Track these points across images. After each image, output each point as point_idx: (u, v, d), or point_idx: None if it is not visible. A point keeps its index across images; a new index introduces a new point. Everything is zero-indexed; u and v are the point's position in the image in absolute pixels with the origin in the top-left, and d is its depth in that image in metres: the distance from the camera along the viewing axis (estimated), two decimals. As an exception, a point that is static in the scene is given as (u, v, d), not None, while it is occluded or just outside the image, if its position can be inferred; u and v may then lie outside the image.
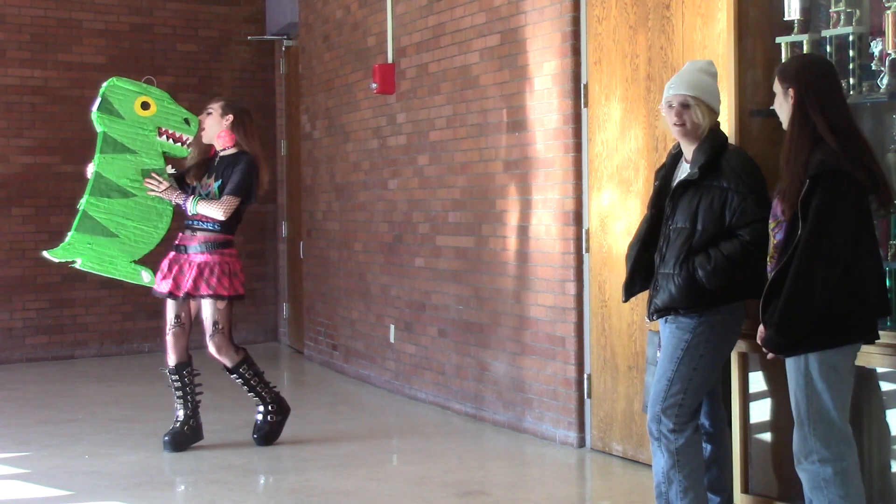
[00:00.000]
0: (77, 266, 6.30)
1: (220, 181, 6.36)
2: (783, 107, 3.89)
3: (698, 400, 4.36)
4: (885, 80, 4.15)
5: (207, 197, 6.31)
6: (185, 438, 6.44)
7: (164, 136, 6.29)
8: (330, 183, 9.35)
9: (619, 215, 6.00)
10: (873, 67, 4.20)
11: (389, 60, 8.04)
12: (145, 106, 6.27)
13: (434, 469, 5.95)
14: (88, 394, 8.34)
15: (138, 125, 6.24)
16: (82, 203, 6.20)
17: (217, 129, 6.45)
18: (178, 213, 6.46)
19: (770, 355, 3.85)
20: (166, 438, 6.43)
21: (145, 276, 6.33)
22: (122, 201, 6.24)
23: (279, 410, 6.60)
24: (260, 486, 5.66)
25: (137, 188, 6.24)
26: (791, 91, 3.83)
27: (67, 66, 10.07)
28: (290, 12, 10.26)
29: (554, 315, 6.39)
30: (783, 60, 4.45)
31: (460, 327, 7.30)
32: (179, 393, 6.43)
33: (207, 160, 6.50)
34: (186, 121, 6.34)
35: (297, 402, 8.39)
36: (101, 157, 6.20)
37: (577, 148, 6.23)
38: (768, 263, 3.94)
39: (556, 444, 6.38)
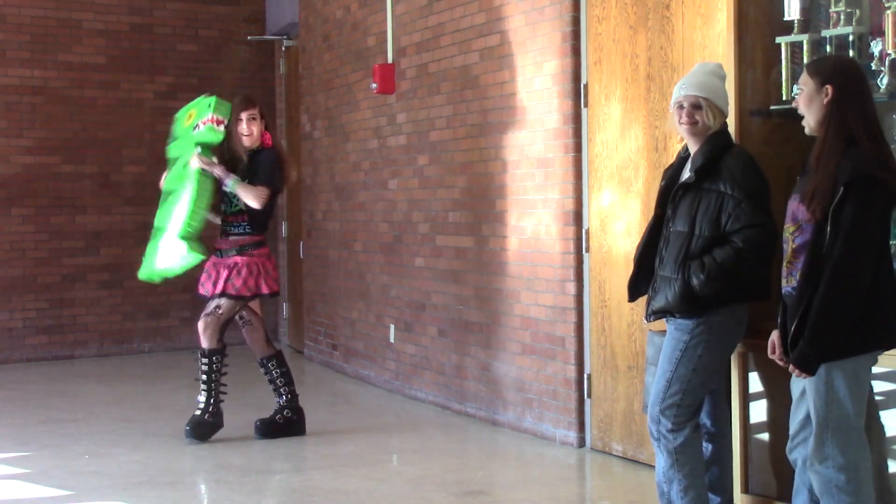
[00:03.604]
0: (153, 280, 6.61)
1: (246, 179, 6.50)
2: (812, 102, 3.77)
3: (697, 400, 4.36)
4: (885, 80, 4.15)
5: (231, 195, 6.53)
6: (278, 427, 6.67)
7: (200, 126, 6.44)
8: (330, 183, 9.35)
9: (619, 215, 6.00)
10: (873, 67, 4.20)
11: (389, 60, 8.04)
12: (190, 116, 6.54)
13: (434, 469, 5.95)
14: (88, 394, 8.34)
15: (185, 133, 6.51)
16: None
17: (261, 130, 6.62)
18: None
19: (797, 372, 3.77)
20: (258, 423, 6.69)
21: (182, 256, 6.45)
22: (169, 200, 6.49)
23: (215, 414, 6.62)
24: (260, 486, 5.66)
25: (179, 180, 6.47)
26: (828, 88, 3.73)
27: (67, 66, 10.07)
28: (290, 12, 10.26)
29: (554, 315, 6.39)
30: (783, 60, 4.45)
31: (460, 327, 7.30)
32: (273, 386, 6.71)
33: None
34: (209, 105, 6.48)
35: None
36: (165, 177, 6.58)
37: (577, 148, 6.23)
38: (784, 268, 3.89)
39: (556, 444, 6.38)
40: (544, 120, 6.45)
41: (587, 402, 6.23)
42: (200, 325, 6.59)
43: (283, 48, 10.71)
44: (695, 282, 4.20)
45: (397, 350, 8.11)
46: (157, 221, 6.53)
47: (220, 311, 6.53)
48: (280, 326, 10.96)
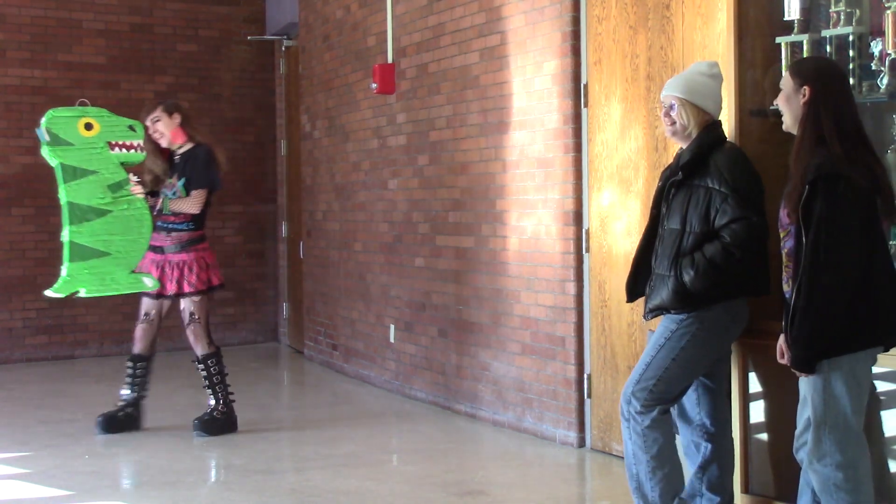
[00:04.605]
0: (82, 295, 6.38)
1: (184, 178, 6.65)
2: (790, 102, 3.83)
3: (672, 390, 4.37)
4: (884, 80, 4.15)
5: (175, 196, 6.61)
6: (117, 422, 6.84)
7: (117, 148, 6.35)
8: (330, 183, 9.35)
9: (619, 215, 6.00)
10: (873, 67, 4.20)
11: (389, 60, 8.04)
12: (89, 126, 6.32)
13: (434, 469, 5.95)
14: (88, 394, 8.33)
15: (89, 146, 6.29)
16: (65, 234, 6.25)
17: (171, 129, 6.74)
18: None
19: (796, 373, 3.78)
20: (99, 419, 6.84)
21: (148, 282, 6.45)
22: (100, 220, 6.29)
23: (229, 412, 6.82)
24: (260, 486, 5.66)
25: (109, 204, 6.30)
26: (806, 89, 3.77)
27: (67, 66, 10.07)
28: (290, 12, 10.27)
29: (554, 315, 6.40)
30: (783, 60, 4.45)
31: (460, 327, 7.30)
32: (129, 380, 6.88)
33: (170, 162, 6.78)
34: (131, 127, 6.40)
35: (297, 402, 8.42)
36: (67, 186, 6.25)
37: (577, 148, 6.24)
38: (784, 273, 3.91)
39: (556, 444, 6.38)
40: (544, 120, 6.46)
41: (587, 402, 6.23)
42: (190, 336, 6.72)
43: (283, 48, 10.71)
44: (685, 278, 4.22)
45: (397, 350, 8.11)
46: (85, 240, 6.25)
47: (198, 316, 6.68)
48: (280, 326, 10.96)
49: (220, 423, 6.74)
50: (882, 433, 4.08)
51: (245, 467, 6.04)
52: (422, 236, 7.77)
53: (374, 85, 7.99)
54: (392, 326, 8.16)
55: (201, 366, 6.74)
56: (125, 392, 6.89)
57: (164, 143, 6.74)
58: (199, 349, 6.72)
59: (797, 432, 3.94)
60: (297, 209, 10.43)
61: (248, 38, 10.81)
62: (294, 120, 10.48)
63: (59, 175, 6.23)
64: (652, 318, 4.47)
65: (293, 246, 10.58)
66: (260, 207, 10.90)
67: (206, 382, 6.74)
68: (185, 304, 6.68)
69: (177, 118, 6.75)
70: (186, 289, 6.62)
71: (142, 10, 10.37)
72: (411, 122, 7.89)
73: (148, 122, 6.71)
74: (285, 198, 10.85)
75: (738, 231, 4.17)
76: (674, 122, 4.40)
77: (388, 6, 8.05)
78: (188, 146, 6.76)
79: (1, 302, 9.80)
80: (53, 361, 9.86)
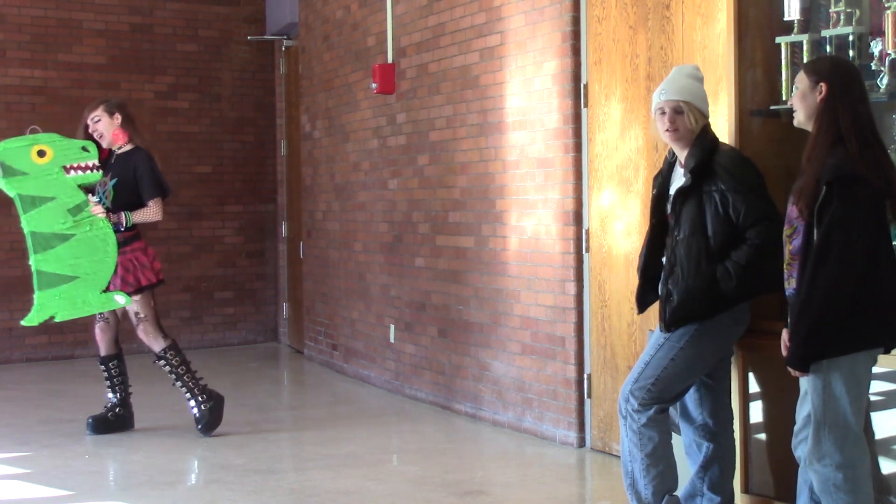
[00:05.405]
0: (56, 320, 6.39)
1: (115, 179, 6.56)
2: (806, 99, 3.81)
3: (670, 390, 4.37)
4: (884, 80, 4.15)
5: (104, 196, 6.52)
6: (107, 423, 6.81)
7: (72, 171, 6.35)
8: (330, 183, 9.35)
9: (619, 215, 6.00)
10: (873, 67, 4.20)
11: (389, 60, 8.05)
12: (42, 153, 6.33)
13: (434, 469, 5.95)
14: (88, 394, 8.32)
15: (44, 173, 6.31)
16: (31, 263, 6.28)
17: (111, 130, 6.66)
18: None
19: (791, 371, 3.80)
20: (90, 421, 6.81)
21: (120, 300, 6.46)
22: (64, 246, 6.34)
23: (210, 397, 6.75)
24: (260, 486, 5.66)
25: (72, 228, 6.33)
26: (823, 86, 3.76)
27: (67, 66, 10.07)
28: (290, 12, 10.27)
29: (554, 315, 6.40)
30: (783, 60, 4.46)
31: (460, 327, 7.30)
32: (108, 382, 6.84)
33: (105, 161, 6.70)
34: (84, 148, 6.40)
35: (297, 402, 8.42)
36: (27, 216, 6.30)
37: (577, 148, 6.24)
38: (785, 270, 3.91)
39: (556, 444, 6.38)
40: (544, 120, 6.45)
41: (587, 402, 6.24)
42: (141, 335, 6.65)
43: (283, 48, 10.71)
44: (724, 287, 4.20)
45: (397, 350, 8.11)
46: (51, 267, 6.32)
47: (143, 315, 6.61)
48: (280, 326, 10.96)
49: (214, 414, 6.69)
50: (873, 433, 4.09)
51: (245, 467, 6.04)
52: (422, 236, 7.77)
53: (374, 85, 7.99)
54: (392, 326, 8.16)
55: (161, 361, 6.66)
56: (110, 395, 6.88)
57: (104, 144, 6.65)
58: (156, 345, 6.64)
59: (796, 428, 3.94)
60: (297, 209, 10.43)
61: (248, 38, 10.81)
62: (294, 120, 10.48)
63: (18, 206, 6.29)
64: (675, 330, 4.37)
65: (293, 246, 10.58)
66: (260, 207, 10.90)
67: (174, 377, 6.66)
68: (130, 306, 6.60)
69: (118, 119, 6.67)
70: (111, 290, 6.53)
71: (142, 10, 10.37)
72: (411, 122, 7.90)
73: (89, 122, 6.67)
74: (285, 198, 10.85)
75: (766, 230, 4.18)
76: (677, 128, 4.37)
77: (388, 6, 8.05)
78: (127, 147, 6.68)
79: (1, 302, 9.80)
80: (53, 361, 9.86)
